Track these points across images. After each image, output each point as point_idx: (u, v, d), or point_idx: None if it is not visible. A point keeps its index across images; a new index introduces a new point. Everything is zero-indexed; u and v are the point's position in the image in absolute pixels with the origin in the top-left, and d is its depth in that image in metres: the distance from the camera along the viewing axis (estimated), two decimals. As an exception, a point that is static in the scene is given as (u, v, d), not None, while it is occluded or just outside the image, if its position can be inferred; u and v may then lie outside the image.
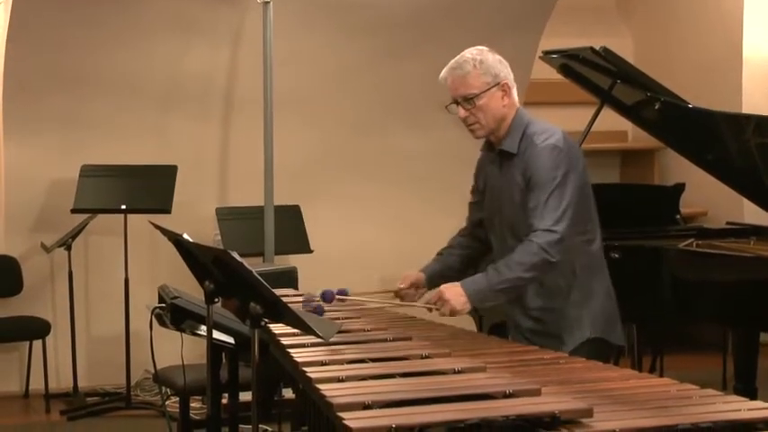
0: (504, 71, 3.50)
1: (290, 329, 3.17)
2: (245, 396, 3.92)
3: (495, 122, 3.50)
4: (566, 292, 3.50)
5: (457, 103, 3.51)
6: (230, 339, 3.72)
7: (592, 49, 5.35)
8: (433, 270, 3.72)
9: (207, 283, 3.16)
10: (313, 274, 5.82)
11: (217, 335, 3.56)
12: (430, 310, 3.48)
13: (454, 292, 3.39)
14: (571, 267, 3.47)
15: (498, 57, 3.52)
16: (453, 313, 3.42)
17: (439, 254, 3.80)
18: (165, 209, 6.31)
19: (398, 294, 3.68)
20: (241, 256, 2.91)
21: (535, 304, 3.53)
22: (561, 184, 3.39)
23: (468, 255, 3.77)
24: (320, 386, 2.55)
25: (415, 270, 3.70)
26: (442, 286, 3.46)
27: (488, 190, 3.65)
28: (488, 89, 3.46)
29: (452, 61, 3.53)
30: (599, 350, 3.41)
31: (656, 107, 5.29)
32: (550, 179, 3.38)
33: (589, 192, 3.54)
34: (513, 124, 3.50)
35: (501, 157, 3.55)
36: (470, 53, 3.51)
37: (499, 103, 3.48)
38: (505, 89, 3.49)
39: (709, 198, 7.28)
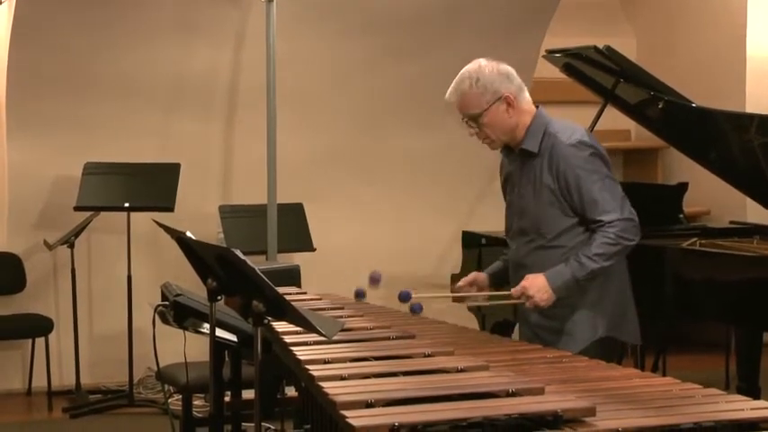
0: (505, 84, 3.46)
1: (292, 327, 3.18)
2: (248, 394, 3.92)
3: (505, 134, 3.50)
4: (582, 292, 3.48)
5: (466, 122, 3.51)
6: (233, 337, 3.72)
7: (595, 47, 5.34)
8: (496, 268, 3.73)
9: (210, 280, 3.16)
10: (316, 272, 5.82)
11: (219, 333, 3.56)
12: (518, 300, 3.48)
13: (538, 286, 3.40)
14: None
15: (498, 68, 3.48)
16: (537, 308, 3.43)
17: (503, 254, 3.81)
18: (169, 207, 6.31)
19: (456, 292, 3.71)
20: (244, 254, 2.91)
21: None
22: (605, 174, 3.43)
23: None
24: (323, 384, 2.55)
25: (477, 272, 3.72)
26: (527, 279, 3.45)
27: (508, 190, 3.66)
28: (489, 107, 3.44)
29: (454, 80, 3.51)
30: (609, 349, 3.42)
31: (660, 106, 5.29)
32: (592, 172, 3.41)
33: None
34: (532, 126, 3.49)
35: (521, 157, 3.54)
36: (467, 71, 3.48)
37: (504, 116, 3.46)
38: (509, 101, 3.46)
39: (712, 197, 7.27)
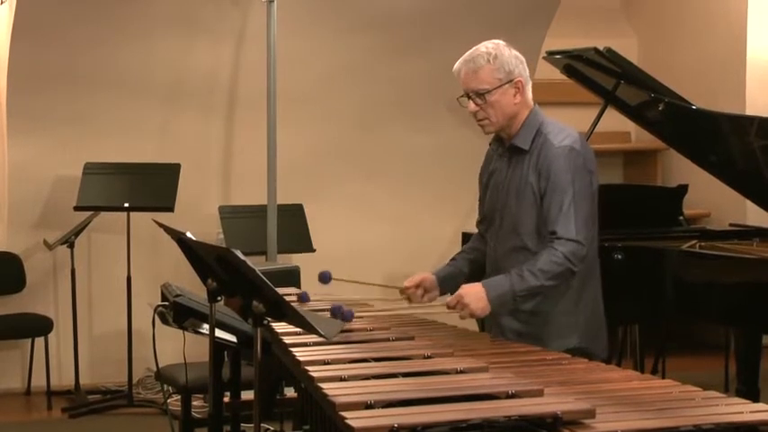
0: (520, 68, 3.43)
1: (292, 328, 3.17)
2: (247, 395, 3.93)
3: (505, 119, 3.44)
4: (557, 298, 3.43)
5: (468, 96, 3.45)
6: (233, 338, 3.72)
7: (596, 49, 5.34)
8: (446, 273, 3.65)
9: (209, 281, 3.16)
10: (316, 273, 5.79)
11: (219, 333, 3.56)
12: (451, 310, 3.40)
13: (475, 296, 3.32)
14: None
15: (515, 53, 3.44)
16: (473, 316, 3.38)
17: (453, 259, 3.75)
18: (168, 207, 6.31)
19: (403, 293, 3.60)
20: (244, 254, 2.91)
21: (524, 307, 3.44)
22: (581, 190, 3.35)
23: (479, 259, 3.68)
24: (322, 385, 2.55)
25: (425, 272, 3.61)
26: (463, 288, 3.39)
27: (492, 185, 3.59)
28: (500, 86, 3.40)
29: (467, 53, 3.45)
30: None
31: (660, 108, 5.29)
32: (570, 183, 3.33)
33: (596, 196, 3.48)
34: (527, 122, 3.45)
35: (510, 152, 3.49)
36: (485, 47, 3.43)
37: (511, 101, 3.42)
38: (519, 87, 3.42)
39: (712, 199, 7.28)
